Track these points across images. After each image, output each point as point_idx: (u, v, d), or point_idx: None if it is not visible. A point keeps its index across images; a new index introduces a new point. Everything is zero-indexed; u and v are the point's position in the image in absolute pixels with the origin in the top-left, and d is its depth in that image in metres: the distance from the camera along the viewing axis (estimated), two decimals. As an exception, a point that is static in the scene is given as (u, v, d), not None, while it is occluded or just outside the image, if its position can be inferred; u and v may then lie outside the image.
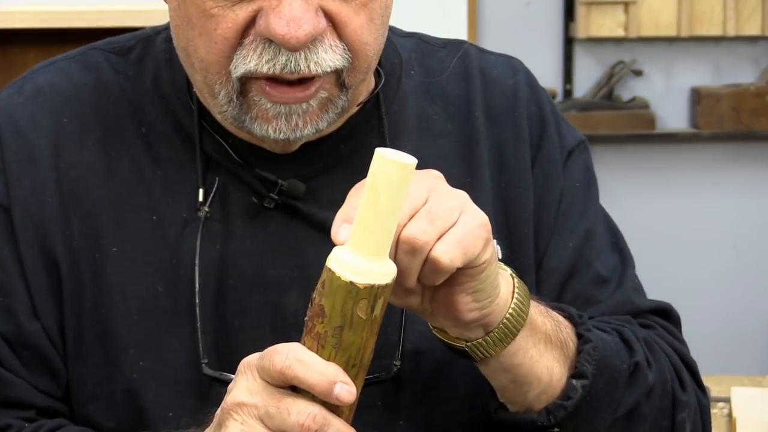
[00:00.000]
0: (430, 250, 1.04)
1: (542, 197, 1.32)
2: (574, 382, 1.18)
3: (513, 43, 3.49)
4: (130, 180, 1.25)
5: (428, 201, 1.06)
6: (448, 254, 1.04)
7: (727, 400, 2.27)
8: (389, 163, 1.00)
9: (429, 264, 1.04)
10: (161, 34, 1.31)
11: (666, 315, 1.36)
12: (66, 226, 1.24)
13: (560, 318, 1.20)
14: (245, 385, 1.03)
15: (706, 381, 2.35)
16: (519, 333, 1.13)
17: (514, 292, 1.13)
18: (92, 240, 1.23)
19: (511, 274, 1.14)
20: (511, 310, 1.12)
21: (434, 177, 1.09)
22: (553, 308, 1.21)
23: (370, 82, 1.28)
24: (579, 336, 1.20)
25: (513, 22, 3.67)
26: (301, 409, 1.00)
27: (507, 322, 1.12)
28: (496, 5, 3.66)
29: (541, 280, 1.31)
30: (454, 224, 1.05)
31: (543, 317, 1.17)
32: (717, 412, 2.28)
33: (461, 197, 1.08)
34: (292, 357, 1.01)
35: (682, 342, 1.34)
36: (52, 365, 1.24)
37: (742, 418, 2.09)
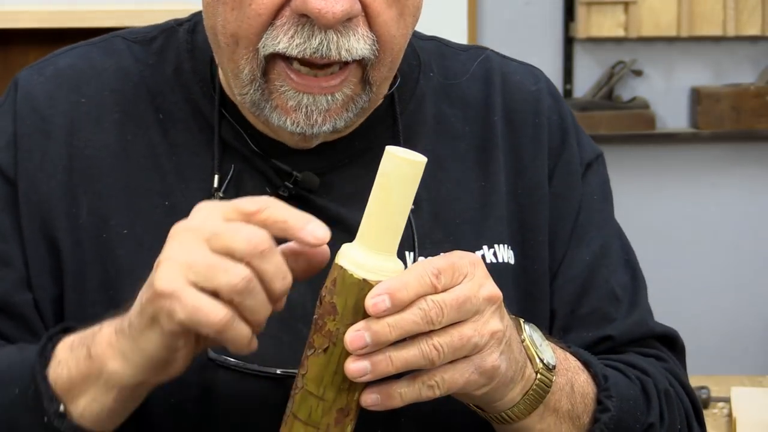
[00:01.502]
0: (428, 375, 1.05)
1: (560, 207, 1.32)
2: None
3: (513, 43, 3.50)
4: (144, 164, 1.25)
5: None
6: (439, 389, 1.06)
7: (727, 400, 2.27)
8: (400, 161, 1.00)
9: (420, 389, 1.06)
10: (183, 25, 1.32)
11: (672, 342, 1.36)
12: (72, 203, 1.24)
13: (582, 387, 1.20)
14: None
15: (706, 381, 2.36)
16: (526, 418, 1.14)
17: (529, 390, 1.13)
18: (101, 220, 1.24)
19: (537, 370, 1.13)
20: (515, 408, 1.13)
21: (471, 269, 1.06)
22: (582, 362, 1.21)
23: (392, 76, 1.28)
24: (599, 401, 1.21)
25: (513, 22, 3.68)
26: (250, 230, 0.99)
27: (507, 415, 1.13)
28: (496, 5, 3.67)
29: (555, 290, 1.31)
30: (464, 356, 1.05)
31: (560, 399, 1.16)
32: (717, 412, 2.28)
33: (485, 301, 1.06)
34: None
35: (685, 374, 1.35)
36: (37, 337, 1.22)
37: (742, 418, 2.10)
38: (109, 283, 1.23)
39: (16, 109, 1.27)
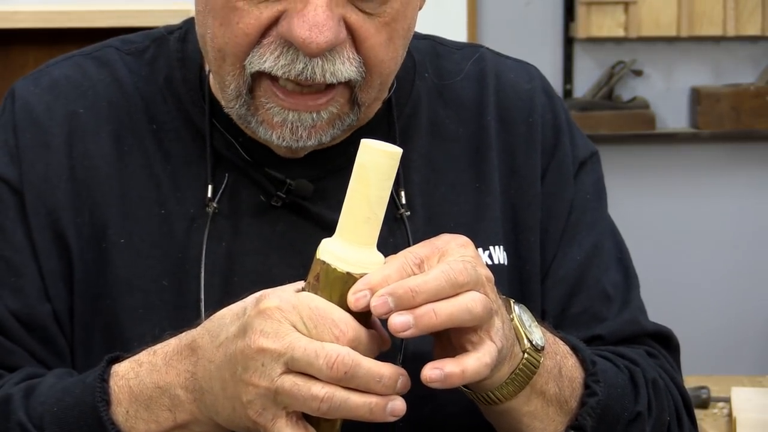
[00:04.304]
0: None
1: (552, 206, 1.31)
2: None
3: (513, 43, 3.49)
4: (140, 174, 1.26)
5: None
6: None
7: (727, 400, 2.27)
8: (378, 153, 1.01)
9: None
10: (174, 33, 1.32)
11: (666, 340, 1.36)
12: (78, 213, 1.25)
13: (569, 370, 1.20)
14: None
15: (706, 381, 2.36)
16: (512, 399, 1.14)
17: (516, 370, 1.12)
18: (99, 230, 1.24)
19: (524, 350, 1.13)
20: (503, 389, 1.13)
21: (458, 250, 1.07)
22: (571, 347, 1.21)
23: (383, 96, 1.28)
24: (586, 386, 1.20)
25: (513, 22, 3.67)
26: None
27: (495, 395, 1.13)
28: (496, 5, 3.67)
29: (546, 290, 1.31)
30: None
31: (547, 381, 1.16)
32: (717, 412, 2.28)
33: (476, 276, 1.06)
34: (347, 362, 1.01)
35: (678, 372, 1.35)
36: (57, 347, 1.25)
37: (742, 418, 2.10)
38: (106, 292, 1.24)
39: (16, 122, 1.28)
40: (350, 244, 1.02)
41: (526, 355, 1.13)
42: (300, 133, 1.17)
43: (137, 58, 1.31)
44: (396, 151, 1.02)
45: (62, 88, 1.29)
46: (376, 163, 1.01)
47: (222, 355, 1.06)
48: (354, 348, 1.01)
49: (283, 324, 1.02)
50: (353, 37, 1.15)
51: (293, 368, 1.01)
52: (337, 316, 1.01)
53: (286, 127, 1.17)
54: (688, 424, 1.31)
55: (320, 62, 1.13)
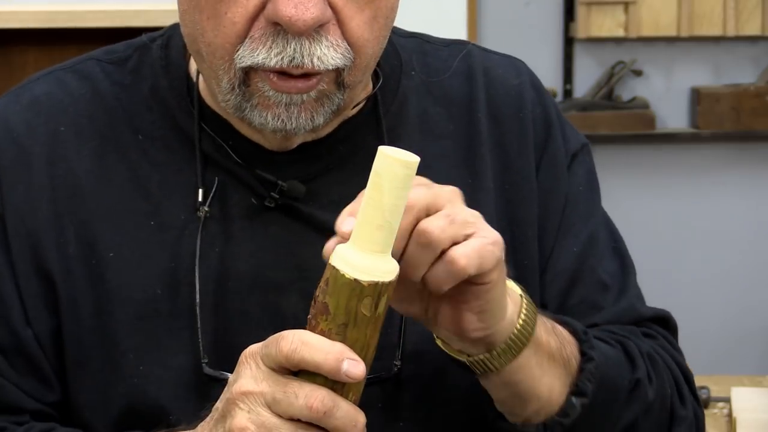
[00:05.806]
0: (448, 250, 1.04)
1: (547, 201, 1.31)
2: (573, 399, 1.18)
3: (513, 43, 3.50)
4: (127, 187, 1.25)
5: (446, 207, 1.06)
6: (466, 257, 1.04)
7: (727, 400, 2.27)
8: (393, 161, 1.00)
9: (444, 265, 1.05)
10: (156, 41, 1.32)
11: (665, 323, 1.36)
12: (60, 233, 1.24)
13: (565, 334, 1.20)
14: (249, 374, 1.03)
15: (706, 381, 2.36)
16: (522, 352, 1.13)
17: (521, 312, 1.13)
18: (88, 247, 1.23)
19: (520, 294, 1.14)
20: (516, 331, 1.12)
21: (453, 192, 1.09)
22: (559, 322, 1.21)
23: (368, 85, 1.28)
24: (582, 353, 1.20)
25: (513, 22, 3.68)
26: (309, 392, 1.00)
27: (510, 342, 1.12)
28: (496, 5, 3.67)
29: (545, 284, 1.31)
30: (472, 235, 1.06)
31: (548, 335, 1.16)
32: (717, 412, 2.28)
33: (477, 216, 1.08)
34: (297, 340, 1.01)
35: (679, 351, 1.35)
36: (42, 372, 1.23)
37: (742, 418, 2.10)
38: (100, 308, 1.22)
39: None
40: (363, 251, 1.01)
41: (524, 301, 1.13)
42: (293, 109, 1.17)
43: (120, 67, 1.31)
44: (413, 161, 1.01)
45: (43, 105, 1.28)
46: (391, 172, 1.00)
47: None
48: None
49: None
50: (338, 19, 1.16)
51: (275, 411, 1.01)
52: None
53: (281, 107, 1.17)
54: (691, 400, 1.31)
55: (307, 44, 1.14)
